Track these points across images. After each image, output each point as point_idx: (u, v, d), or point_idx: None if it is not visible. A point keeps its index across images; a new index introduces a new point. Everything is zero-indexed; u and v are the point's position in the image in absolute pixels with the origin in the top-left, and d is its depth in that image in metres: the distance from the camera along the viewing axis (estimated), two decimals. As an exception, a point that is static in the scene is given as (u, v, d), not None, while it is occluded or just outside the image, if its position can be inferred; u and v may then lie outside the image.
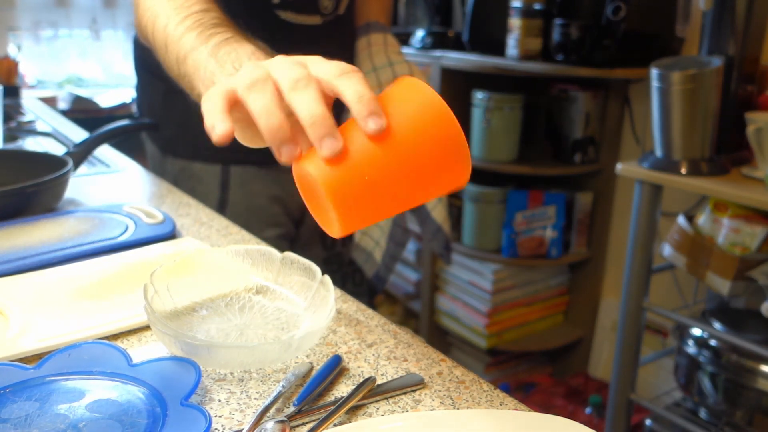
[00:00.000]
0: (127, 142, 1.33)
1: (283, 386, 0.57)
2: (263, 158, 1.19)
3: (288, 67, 0.54)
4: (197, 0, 0.82)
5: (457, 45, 2.25)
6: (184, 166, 1.22)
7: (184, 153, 1.22)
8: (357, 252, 1.35)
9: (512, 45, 2.03)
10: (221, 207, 1.21)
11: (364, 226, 0.54)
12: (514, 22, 2.00)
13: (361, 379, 0.61)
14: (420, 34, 2.35)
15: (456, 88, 2.25)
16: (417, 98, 0.51)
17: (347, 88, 0.51)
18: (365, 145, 0.50)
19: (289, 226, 1.31)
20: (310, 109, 0.51)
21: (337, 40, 1.19)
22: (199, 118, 1.12)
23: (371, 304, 1.79)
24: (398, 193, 0.52)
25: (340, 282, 1.52)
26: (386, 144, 0.50)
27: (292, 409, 0.56)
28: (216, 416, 0.55)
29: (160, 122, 1.25)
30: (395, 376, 0.61)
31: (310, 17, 1.12)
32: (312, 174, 0.52)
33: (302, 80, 0.52)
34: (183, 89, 1.17)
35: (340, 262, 1.49)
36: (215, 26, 0.76)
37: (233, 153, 1.18)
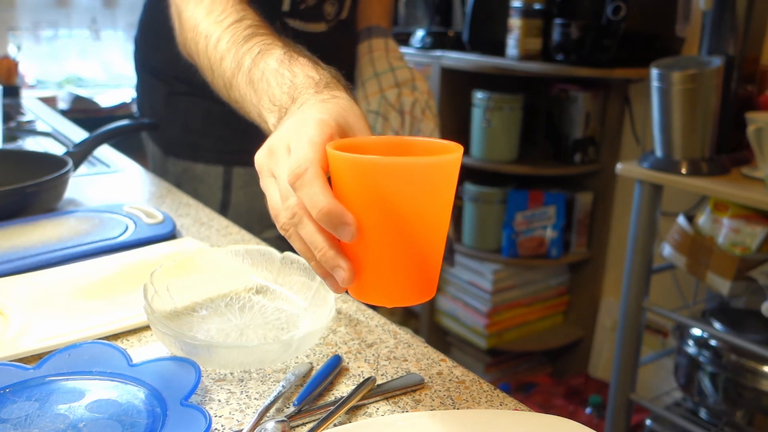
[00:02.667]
0: (127, 142, 1.33)
1: (283, 386, 0.57)
2: None
3: (278, 212, 0.56)
4: (233, 7, 0.82)
5: (457, 45, 2.25)
6: (186, 168, 1.22)
7: (186, 154, 1.22)
8: None
9: (512, 45, 2.03)
10: (223, 208, 1.21)
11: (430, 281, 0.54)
12: (514, 22, 2.00)
13: (361, 379, 0.61)
14: (420, 34, 2.35)
15: (456, 88, 2.25)
16: (347, 172, 0.50)
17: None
18: (367, 247, 0.51)
19: None
20: (312, 245, 0.53)
21: (340, 46, 1.19)
22: (201, 120, 1.12)
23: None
24: (422, 238, 0.51)
25: None
26: (375, 232, 0.50)
27: (292, 409, 0.56)
28: (216, 416, 0.55)
29: (162, 123, 1.24)
30: (395, 376, 0.61)
31: (317, 24, 1.12)
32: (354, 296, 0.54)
33: (292, 220, 0.54)
34: (185, 92, 1.17)
35: None
36: (247, 40, 0.76)
37: (235, 154, 1.19)
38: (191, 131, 1.20)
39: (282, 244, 1.29)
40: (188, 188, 1.22)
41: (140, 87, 1.29)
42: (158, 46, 1.20)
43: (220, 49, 0.79)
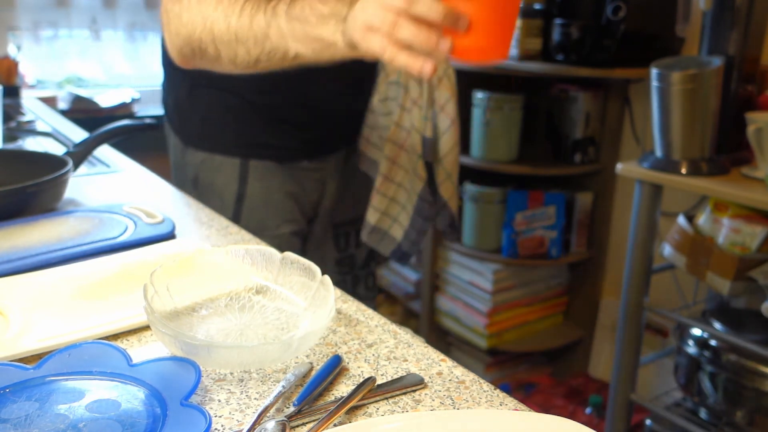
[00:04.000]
0: (127, 142, 1.33)
1: (283, 386, 0.57)
2: (282, 154, 1.26)
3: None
4: None
5: (457, 45, 2.24)
6: (204, 159, 1.26)
7: (205, 145, 1.25)
8: (371, 236, 1.35)
9: (512, 45, 2.02)
10: (239, 200, 1.25)
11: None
12: (514, 22, 2.00)
13: (361, 379, 0.61)
14: (420, 34, 2.35)
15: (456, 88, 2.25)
16: None
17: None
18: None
19: (302, 223, 1.34)
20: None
21: None
22: (220, 112, 1.20)
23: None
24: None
25: (351, 284, 1.54)
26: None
27: (292, 409, 0.56)
28: (216, 416, 0.55)
29: (185, 115, 1.28)
30: (395, 376, 0.61)
31: None
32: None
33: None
34: (206, 85, 1.24)
35: (352, 263, 1.50)
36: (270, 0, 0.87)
37: (252, 148, 1.23)
38: (211, 123, 1.24)
39: (294, 240, 1.32)
40: (206, 179, 1.26)
41: (165, 82, 1.32)
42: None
43: (246, 15, 0.88)
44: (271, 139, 1.23)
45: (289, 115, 1.23)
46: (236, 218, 1.25)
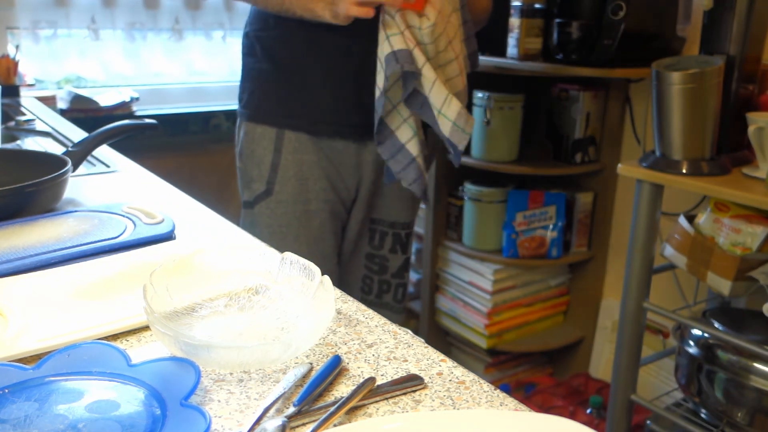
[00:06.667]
0: (126, 142, 1.32)
1: (283, 386, 0.57)
2: (313, 127, 1.39)
3: None
4: None
5: (457, 45, 2.24)
6: (248, 130, 1.41)
7: (250, 117, 1.41)
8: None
9: (512, 45, 2.02)
10: (273, 170, 1.38)
11: None
12: (514, 22, 2.00)
13: (361, 380, 0.61)
14: (420, 33, 2.34)
15: (456, 88, 2.24)
16: None
17: None
18: None
19: (338, 205, 1.41)
20: None
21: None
22: (260, 82, 1.50)
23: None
24: None
25: (378, 288, 1.56)
26: None
27: (292, 409, 0.55)
28: (216, 416, 0.55)
29: (241, 92, 1.45)
30: (395, 377, 0.61)
31: None
32: None
33: None
34: (254, 61, 1.42)
35: (383, 266, 1.53)
36: None
37: (287, 118, 1.38)
38: (254, 94, 1.40)
39: (331, 220, 1.44)
40: (247, 149, 1.41)
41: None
42: (245, 28, 1.46)
43: None
44: (304, 112, 1.38)
45: (324, 90, 1.37)
46: (270, 186, 1.38)
